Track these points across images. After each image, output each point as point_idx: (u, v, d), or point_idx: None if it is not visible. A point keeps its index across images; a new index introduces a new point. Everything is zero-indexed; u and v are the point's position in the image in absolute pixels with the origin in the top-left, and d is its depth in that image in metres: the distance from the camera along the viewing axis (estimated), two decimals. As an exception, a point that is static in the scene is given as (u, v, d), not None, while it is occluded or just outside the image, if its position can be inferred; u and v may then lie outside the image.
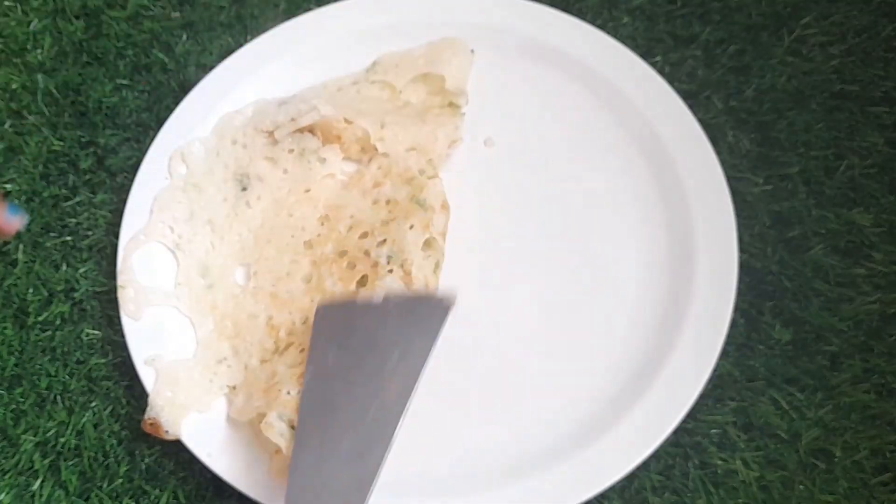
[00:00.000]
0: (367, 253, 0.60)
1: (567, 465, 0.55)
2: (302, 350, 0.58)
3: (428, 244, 0.61)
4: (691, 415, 0.56)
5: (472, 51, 0.69)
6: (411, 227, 0.60)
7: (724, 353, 0.58)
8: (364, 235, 0.61)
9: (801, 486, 0.56)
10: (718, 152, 0.63)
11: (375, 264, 0.59)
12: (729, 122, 0.67)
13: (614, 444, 0.55)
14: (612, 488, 0.55)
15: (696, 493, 0.56)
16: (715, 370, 0.57)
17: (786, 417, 0.57)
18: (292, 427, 0.53)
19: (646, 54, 0.69)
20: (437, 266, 0.61)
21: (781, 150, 0.66)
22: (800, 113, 0.67)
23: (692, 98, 0.67)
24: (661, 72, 0.67)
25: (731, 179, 0.63)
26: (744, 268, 0.61)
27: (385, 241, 0.60)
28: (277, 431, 0.53)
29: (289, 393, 0.54)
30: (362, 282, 0.59)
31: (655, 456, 0.55)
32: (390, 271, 0.58)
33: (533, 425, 0.57)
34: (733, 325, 0.59)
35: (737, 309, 0.59)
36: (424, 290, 0.58)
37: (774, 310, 0.61)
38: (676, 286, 0.60)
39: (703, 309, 0.58)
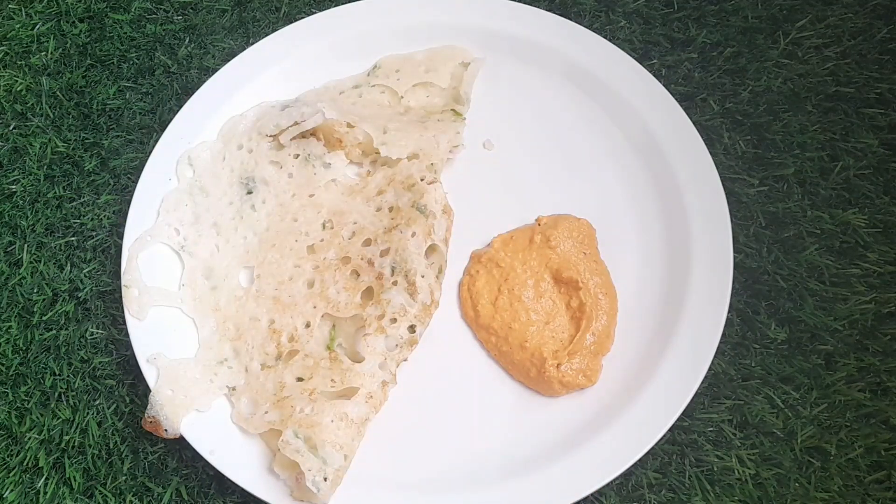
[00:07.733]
0: (370, 262, 0.60)
1: (565, 462, 0.55)
2: (307, 358, 0.58)
3: (430, 250, 0.61)
4: (687, 413, 0.57)
5: (476, 59, 0.69)
6: (413, 234, 0.60)
7: (720, 352, 0.59)
8: (367, 243, 0.62)
9: (796, 484, 0.56)
10: (714, 154, 0.64)
11: (380, 276, 0.60)
12: (724, 124, 0.67)
13: (611, 442, 0.55)
14: (609, 485, 0.55)
15: (692, 490, 0.56)
16: (710, 369, 0.57)
17: (781, 416, 0.58)
18: (308, 444, 0.54)
19: (642, 57, 0.69)
20: (440, 271, 0.61)
21: (776, 151, 0.66)
22: (795, 115, 0.68)
23: (688, 100, 0.68)
24: (657, 74, 0.68)
25: (726, 180, 0.63)
26: (739, 268, 0.62)
27: (388, 250, 0.60)
28: (294, 448, 0.54)
29: (302, 411, 0.55)
30: (367, 292, 0.60)
31: (652, 453, 0.56)
32: (395, 283, 0.59)
33: (531, 424, 0.58)
34: (729, 324, 0.59)
35: (732, 308, 0.60)
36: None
37: (769, 309, 0.61)
38: (673, 286, 0.60)
39: (699, 308, 0.58)
